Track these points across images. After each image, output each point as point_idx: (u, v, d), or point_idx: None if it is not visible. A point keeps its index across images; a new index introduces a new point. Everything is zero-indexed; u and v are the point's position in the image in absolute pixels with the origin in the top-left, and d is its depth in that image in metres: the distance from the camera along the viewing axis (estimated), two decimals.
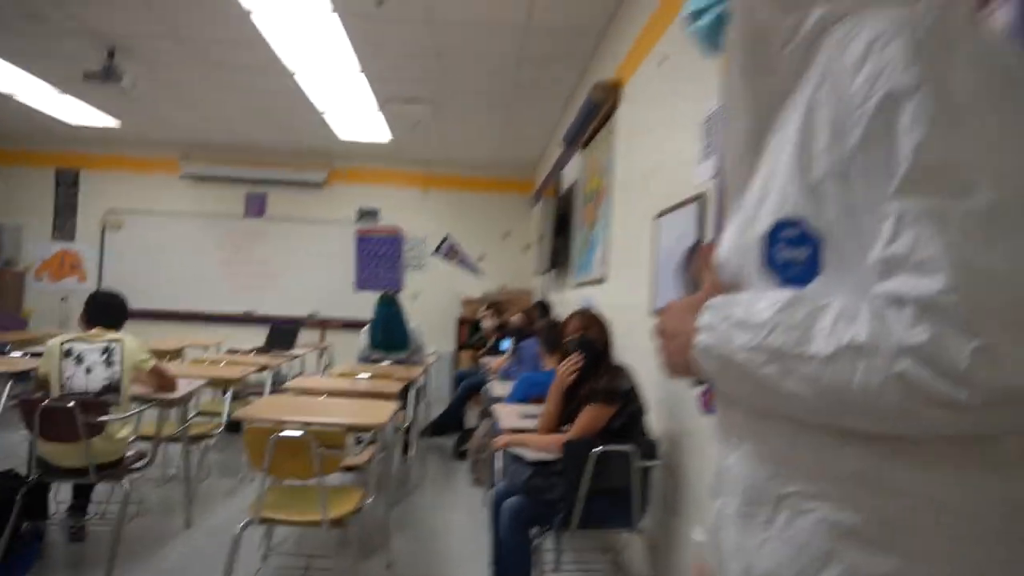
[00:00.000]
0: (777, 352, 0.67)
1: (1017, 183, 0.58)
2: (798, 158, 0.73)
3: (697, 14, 0.92)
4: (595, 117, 4.34)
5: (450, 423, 5.80)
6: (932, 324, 0.57)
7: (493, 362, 5.47)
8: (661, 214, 2.98)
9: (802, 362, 0.65)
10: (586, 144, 4.91)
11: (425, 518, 3.98)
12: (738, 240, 0.81)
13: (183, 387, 3.50)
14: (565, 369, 2.79)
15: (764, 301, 0.70)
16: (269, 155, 8.28)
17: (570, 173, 5.76)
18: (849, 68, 0.67)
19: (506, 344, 5.73)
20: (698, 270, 0.92)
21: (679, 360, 0.80)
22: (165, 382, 3.34)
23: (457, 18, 4.30)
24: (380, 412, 3.03)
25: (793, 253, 0.73)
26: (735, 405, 0.81)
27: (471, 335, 7.84)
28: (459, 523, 3.93)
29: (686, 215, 2.66)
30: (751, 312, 0.71)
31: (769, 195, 0.76)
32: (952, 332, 0.56)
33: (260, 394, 5.08)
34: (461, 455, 5.33)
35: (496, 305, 6.68)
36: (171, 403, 3.42)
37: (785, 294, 0.70)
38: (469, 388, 5.91)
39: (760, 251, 0.76)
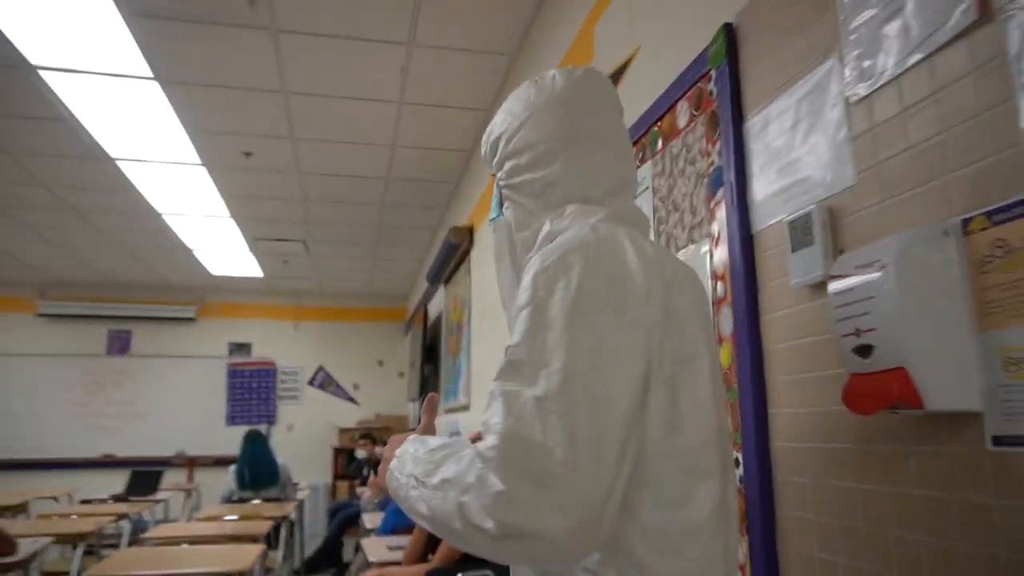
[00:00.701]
0: (418, 477, 0.80)
1: (565, 381, 0.73)
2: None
3: (492, 220, 1.11)
4: (453, 256, 4.76)
5: (326, 558, 5.65)
6: (480, 470, 0.71)
7: (367, 492, 5.48)
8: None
9: (425, 488, 0.78)
10: (447, 280, 5.31)
11: None
12: None
13: (25, 547, 3.31)
14: None
15: (436, 441, 0.85)
16: (135, 290, 8.10)
17: (435, 305, 6.11)
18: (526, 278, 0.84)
19: None
20: (424, 413, 1.07)
21: (381, 480, 0.92)
22: (2, 544, 3.16)
23: (323, 170, 4.67)
24: (245, 556, 3.04)
25: None
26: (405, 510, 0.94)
27: (348, 465, 7.75)
28: None
29: None
30: (422, 448, 0.84)
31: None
32: (492, 476, 0.70)
33: (117, 546, 4.78)
34: None
35: (370, 434, 6.73)
36: (8, 567, 3.22)
37: (445, 439, 0.85)
38: (345, 520, 5.83)
39: None
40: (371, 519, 4.29)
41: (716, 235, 1.47)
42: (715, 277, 1.46)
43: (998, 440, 0.82)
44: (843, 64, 1.10)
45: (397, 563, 3.00)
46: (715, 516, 0.79)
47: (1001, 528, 0.82)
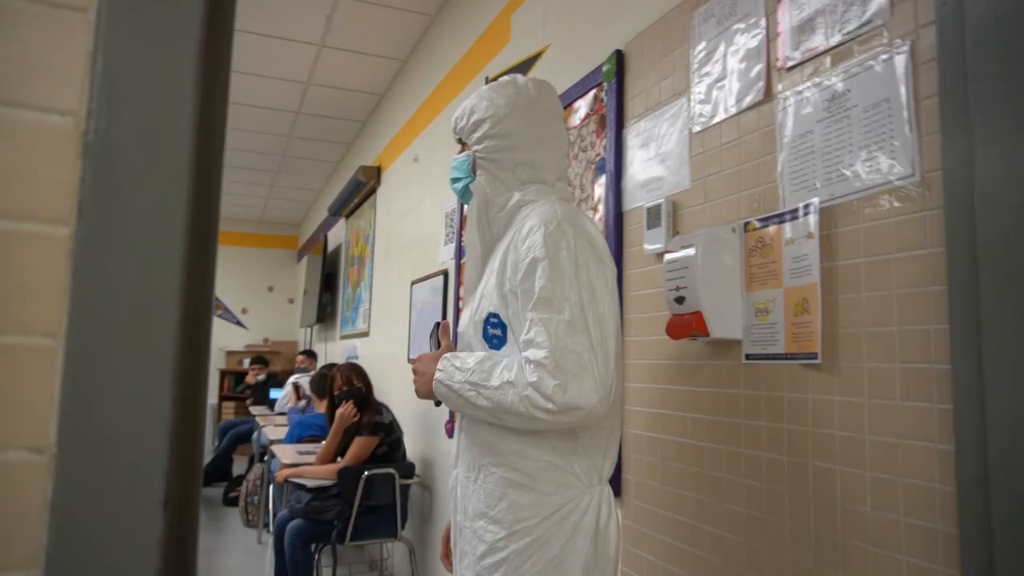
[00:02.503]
0: (475, 383, 1.19)
1: (582, 310, 1.14)
2: (499, 279, 1.26)
3: (455, 180, 1.42)
4: (358, 193, 5.06)
5: (217, 471, 5.97)
6: (537, 372, 1.11)
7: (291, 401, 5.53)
8: (415, 282, 3.77)
9: (486, 388, 1.17)
10: (350, 214, 5.59)
11: (203, 564, 4.24)
12: (471, 320, 1.34)
13: None
14: (346, 414, 3.39)
15: (472, 357, 1.23)
16: None
17: (335, 236, 6.37)
18: (522, 237, 1.22)
19: (276, 393, 6.09)
20: (439, 337, 1.43)
21: (425, 389, 1.32)
22: None
23: (235, 99, 4.77)
24: None
25: (495, 331, 1.27)
26: (462, 416, 1.36)
27: (234, 387, 7.95)
28: (236, 563, 4.25)
29: (433, 284, 3.47)
30: (465, 362, 1.24)
31: (486, 297, 1.29)
32: (547, 376, 1.10)
33: None
34: (231, 502, 5.55)
35: (262, 358, 6.97)
36: None
37: (482, 353, 1.25)
38: (236, 437, 6.14)
39: (480, 328, 1.30)
40: (272, 432, 4.65)
41: (597, 208, 1.97)
42: None
43: (748, 356, 1.39)
44: (690, 105, 1.61)
45: (308, 464, 3.44)
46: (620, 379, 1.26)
47: (743, 405, 1.40)
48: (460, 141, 1.43)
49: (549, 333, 1.13)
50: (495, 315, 1.28)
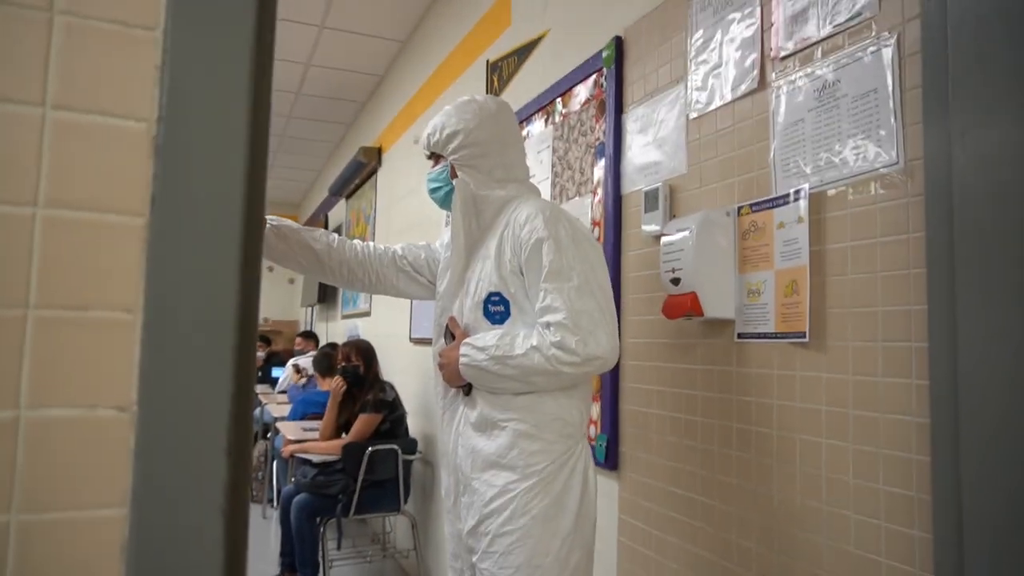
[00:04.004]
0: (499, 357, 1.39)
1: (586, 277, 1.36)
2: (496, 262, 1.46)
3: (435, 190, 1.62)
4: (359, 174, 5.10)
5: None
6: (559, 332, 1.33)
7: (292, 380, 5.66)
8: None
9: (512, 359, 1.37)
10: (350, 195, 5.63)
11: None
12: (468, 306, 1.52)
13: None
14: (336, 388, 3.48)
15: (489, 335, 1.42)
16: None
17: (336, 216, 6.41)
18: (520, 223, 1.42)
19: (278, 372, 6.17)
20: (451, 329, 1.58)
21: (453, 376, 1.48)
22: None
23: None
24: None
25: (497, 308, 1.47)
26: (480, 388, 1.49)
27: None
28: None
29: None
30: (485, 342, 1.42)
31: (483, 280, 1.49)
32: (568, 334, 1.32)
33: None
34: None
35: (265, 337, 7.04)
36: None
37: (498, 330, 1.44)
38: None
39: (480, 309, 1.50)
40: (276, 410, 4.74)
41: (596, 191, 2.03)
42: (594, 223, 2.03)
43: (740, 335, 1.45)
44: (687, 92, 1.66)
45: (313, 440, 3.52)
46: None
47: (735, 381, 1.47)
48: (433, 155, 1.62)
49: (564, 298, 1.35)
50: (496, 294, 1.47)
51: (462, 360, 1.44)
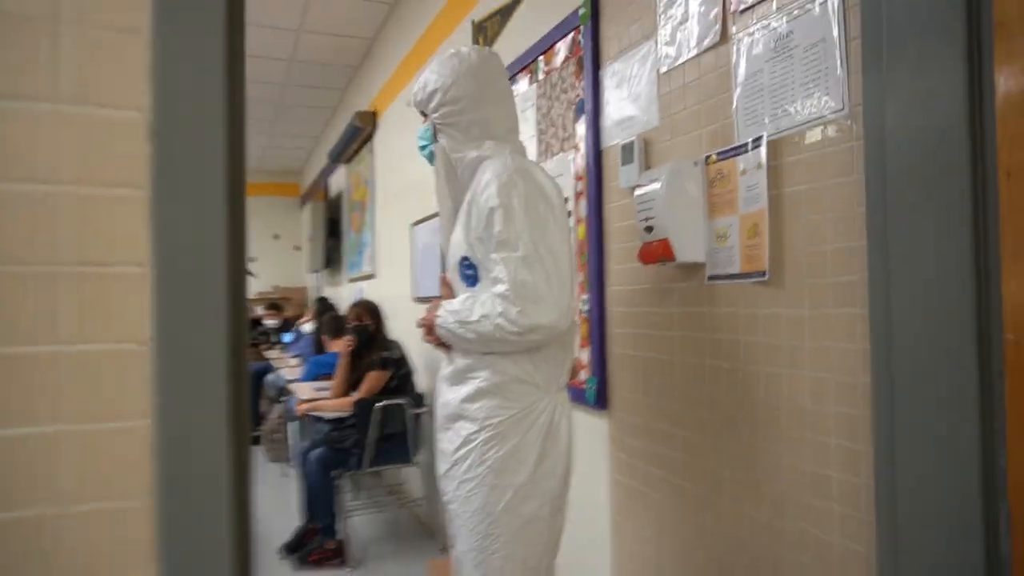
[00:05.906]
0: (462, 321, 1.47)
1: (534, 246, 1.39)
2: (465, 227, 1.55)
3: (422, 147, 1.68)
4: (356, 139, 5.15)
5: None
6: (503, 303, 1.39)
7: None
8: (415, 223, 3.92)
9: (469, 324, 1.45)
10: (349, 160, 5.70)
11: None
12: (450, 267, 1.61)
13: None
14: (344, 346, 3.64)
15: (457, 300, 1.52)
16: None
17: (336, 183, 6.49)
18: (480, 189, 1.50)
19: (287, 337, 6.33)
20: (441, 286, 1.69)
21: (431, 336, 1.58)
22: None
23: None
24: None
25: (468, 271, 1.53)
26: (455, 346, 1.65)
27: (249, 331, 8.22)
28: (265, 494, 4.56)
29: (433, 226, 3.62)
30: (452, 305, 1.51)
31: (457, 244, 1.58)
32: (510, 305, 1.37)
33: None
34: (255, 440, 5.87)
35: (276, 304, 7.20)
36: None
37: (465, 294, 1.54)
38: (256, 379, 6.43)
39: (458, 270, 1.61)
40: (289, 372, 4.90)
41: (578, 147, 2.11)
42: (577, 177, 2.12)
43: (711, 277, 1.55)
44: (657, 47, 1.73)
45: (325, 399, 3.68)
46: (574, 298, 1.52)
47: (707, 320, 1.57)
48: (422, 112, 1.65)
49: (508, 269, 1.40)
50: (466, 258, 1.53)
51: (437, 321, 1.53)
